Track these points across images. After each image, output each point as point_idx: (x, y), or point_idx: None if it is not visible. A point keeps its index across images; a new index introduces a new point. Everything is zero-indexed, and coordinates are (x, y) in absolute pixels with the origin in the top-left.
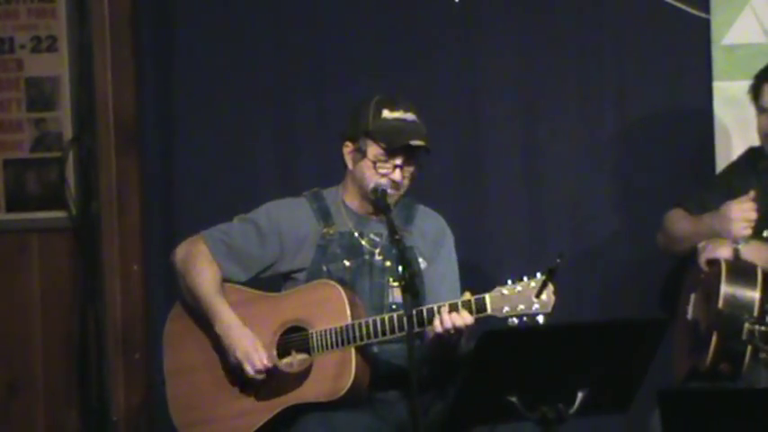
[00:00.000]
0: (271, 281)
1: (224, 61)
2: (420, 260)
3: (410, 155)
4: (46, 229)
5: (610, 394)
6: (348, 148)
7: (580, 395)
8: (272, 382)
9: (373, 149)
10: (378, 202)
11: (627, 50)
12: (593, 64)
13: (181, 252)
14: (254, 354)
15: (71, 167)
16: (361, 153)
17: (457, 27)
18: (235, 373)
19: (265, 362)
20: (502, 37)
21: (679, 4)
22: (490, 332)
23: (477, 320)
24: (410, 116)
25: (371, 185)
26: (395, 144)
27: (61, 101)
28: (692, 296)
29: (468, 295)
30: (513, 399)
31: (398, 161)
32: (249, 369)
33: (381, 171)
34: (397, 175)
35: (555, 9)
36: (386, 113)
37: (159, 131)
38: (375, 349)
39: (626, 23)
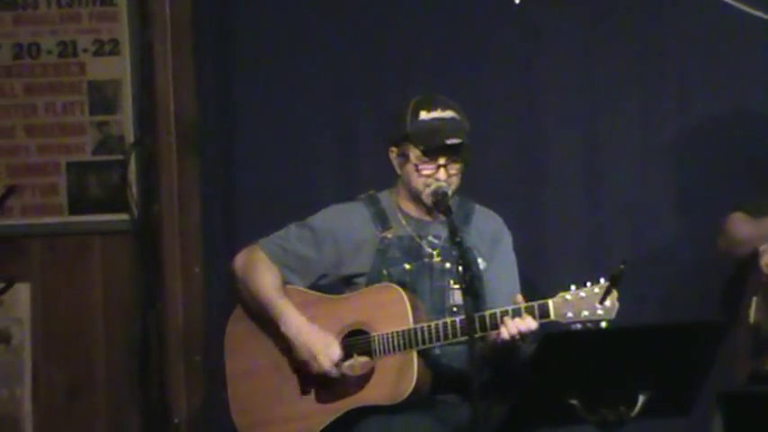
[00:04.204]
0: (331, 284)
1: (284, 63)
2: (479, 260)
3: (452, 153)
4: (108, 232)
5: (671, 397)
6: (393, 153)
7: (641, 398)
8: (334, 385)
9: (414, 152)
10: (439, 204)
11: (688, 53)
12: (654, 66)
13: (240, 261)
14: (329, 348)
15: (133, 170)
16: (404, 157)
17: (517, 29)
18: (298, 375)
19: (339, 354)
20: (562, 39)
21: (741, 6)
22: (551, 335)
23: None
24: (448, 114)
25: (431, 189)
26: (431, 145)
27: (123, 104)
28: (754, 299)
29: (519, 298)
30: (574, 401)
31: (442, 161)
32: (325, 363)
33: (425, 173)
34: (441, 174)
35: (616, 11)
36: (423, 115)
37: (219, 133)
38: (437, 351)
39: (687, 25)
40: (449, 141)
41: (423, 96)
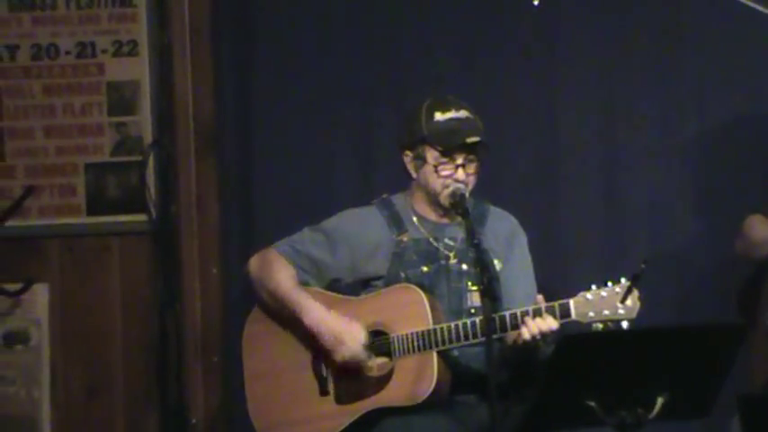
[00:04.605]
0: (348, 286)
1: (303, 64)
2: (495, 261)
3: (470, 152)
4: (126, 233)
5: (689, 399)
6: (408, 156)
7: (660, 400)
8: (353, 386)
9: (432, 154)
10: (457, 206)
11: (706, 53)
12: (672, 67)
13: (254, 263)
14: (354, 331)
15: (151, 171)
16: (421, 160)
17: (536, 30)
18: (316, 375)
19: (365, 337)
20: (581, 40)
21: (759, 8)
22: (569, 336)
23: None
24: (463, 114)
25: (448, 191)
26: (451, 144)
27: (142, 105)
28: None
29: (540, 298)
30: (592, 403)
31: (460, 160)
32: (353, 345)
33: (444, 173)
34: (460, 174)
35: (633, 12)
36: (438, 116)
37: (238, 135)
38: (456, 352)
39: (706, 26)
40: (469, 140)
41: (435, 98)
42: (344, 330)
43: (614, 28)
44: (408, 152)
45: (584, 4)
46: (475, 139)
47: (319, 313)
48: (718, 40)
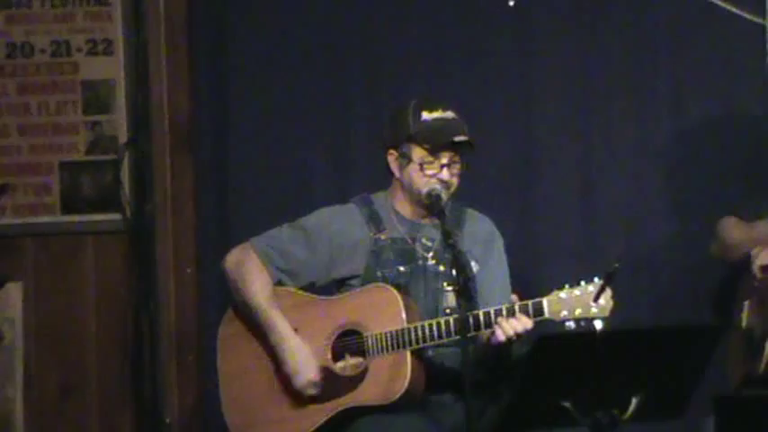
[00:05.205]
0: (324, 286)
1: (279, 63)
2: (472, 263)
3: (455, 152)
4: (101, 232)
5: (664, 400)
6: (392, 155)
7: (634, 401)
8: (327, 386)
9: (418, 152)
10: (432, 206)
11: (682, 56)
12: (647, 69)
13: (231, 261)
14: (306, 370)
15: (126, 170)
16: (406, 158)
17: (510, 30)
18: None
19: (316, 379)
20: (556, 40)
21: (734, 10)
22: (544, 337)
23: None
24: (449, 114)
25: (425, 190)
26: (439, 143)
27: (116, 104)
28: (746, 303)
29: (514, 297)
30: (567, 404)
31: (445, 160)
32: (298, 384)
33: (429, 172)
34: (445, 174)
35: (609, 13)
36: (425, 115)
37: (214, 134)
38: (430, 352)
39: (681, 29)
40: (457, 138)
41: (422, 98)
42: (296, 367)
43: (590, 28)
44: (393, 151)
45: (560, 3)
46: (462, 138)
47: (284, 337)
48: (693, 42)
